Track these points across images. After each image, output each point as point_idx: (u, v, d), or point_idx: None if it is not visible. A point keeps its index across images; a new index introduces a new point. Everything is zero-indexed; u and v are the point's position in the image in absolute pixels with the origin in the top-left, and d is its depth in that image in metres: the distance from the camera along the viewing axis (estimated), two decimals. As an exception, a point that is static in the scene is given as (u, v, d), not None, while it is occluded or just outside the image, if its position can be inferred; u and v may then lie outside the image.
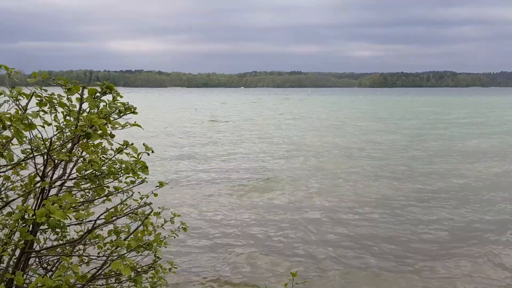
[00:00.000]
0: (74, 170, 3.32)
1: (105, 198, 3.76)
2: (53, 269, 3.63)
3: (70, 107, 2.93)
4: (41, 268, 3.63)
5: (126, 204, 3.66)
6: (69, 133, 3.00)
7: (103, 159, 2.95)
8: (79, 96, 3.11)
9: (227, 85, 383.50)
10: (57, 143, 2.88)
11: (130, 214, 3.27)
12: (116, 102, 3.13)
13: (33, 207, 2.91)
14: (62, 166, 3.10)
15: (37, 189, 2.87)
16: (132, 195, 3.56)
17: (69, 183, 3.32)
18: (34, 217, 2.44)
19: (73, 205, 2.56)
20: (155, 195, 3.40)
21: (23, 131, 2.38)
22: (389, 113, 50.42)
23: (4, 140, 2.91)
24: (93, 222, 3.41)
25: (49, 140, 2.60)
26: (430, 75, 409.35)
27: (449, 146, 22.46)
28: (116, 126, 2.85)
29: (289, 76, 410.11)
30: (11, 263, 3.11)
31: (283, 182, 14.02)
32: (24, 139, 2.50)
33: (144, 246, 3.12)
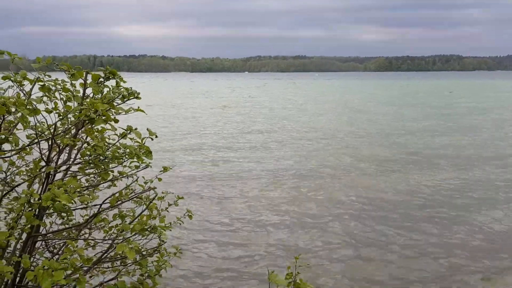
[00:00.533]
0: (79, 155, 3.36)
1: (110, 183, 3.80)
2: (59, 252, 3.68)
3: (74, 93, 2.94)
4: (47, 251, 3.68)
5: (131, 189, 3.69)
6: (73, 119, 3.02)
7: (107, 144, 2.98)
8: (83, 82, 3.13)
9: (231, 69, 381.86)
10: (61, 128, 2.90)
11: (134, 199, 3.30)
12: (119, 87, 3.14)
13: (39, 192, 2.95)
14: (67, 151, 3.13)
15: (42, 174, 2.90)
16: (137, 179, 3.59)
17: (74, 168, 3.35)
18: (40, 201, 2.48)
19: (78, 189, 2.58)
20: (159, 179, 3.42)
21: (27, 116, 2.40)
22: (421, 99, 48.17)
23: (8, 125, 2.94)
24: (98, 206, 3.46)
25: (53, 126, 2.61)
26: (436, 59, 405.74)
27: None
28: (120, 111, 2.85)
29: (294, 60, 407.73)
30: (18, 246, 3.16)
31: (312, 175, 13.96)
32: (29, 124, 2.52)
33: (149, 229, 3.15)
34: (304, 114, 31.50)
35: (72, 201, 2.42)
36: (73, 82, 3.06)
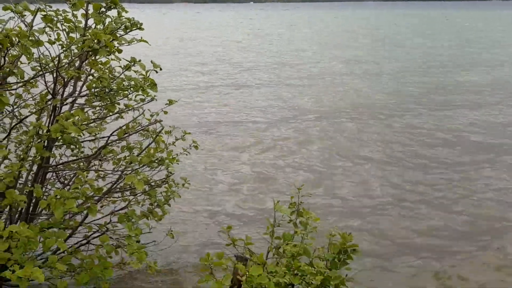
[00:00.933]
0: (84, 88, 3.35)
1: (117, 115, 3.82)
2: (70, 183, 3.79)
3: (76, 23, 2.88)
4: (58, 182, 3.79)
5: (138, 122, 3.72)
6: (76, 50, 2.98)
7: (112, 76, 2.96)
8: (84, 12, 3.05)
9: (235, 0, 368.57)
10: (65, 60, 2.87)
11: (141, 131, 3.33)
12: (121, 17, 3.06)
13: (47, 124, 2.98)
14: (72, 84, 3.12)
15: (49, 107, 2.92)
16: (143, 112, 3.61)
17: (80, 101, 3.36)
18: (48, 133, 2.51)
19: (86, 122, 2.61)
20: (165, 112, 3.44)
21: (30, 47, 2.37)
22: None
23: (12, 59, 2.91)
24: (106, 138, 3.51)
25: (57, 58, 2.59)
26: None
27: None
28: (123, 42, 2.81)
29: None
30: (30, 177, 3.25)
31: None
32: (32, 56, 2.50)
33: (156, 161, 3.21)
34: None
35: (81, 133, 2.45)
36: (75, 12, 2.98)
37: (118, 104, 2.96)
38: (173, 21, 67.41)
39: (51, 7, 2.96)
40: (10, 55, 2.69)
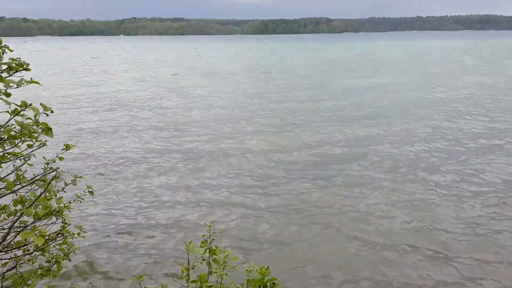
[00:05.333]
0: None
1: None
2: None
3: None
4: None
5: (21, 170, 3.34)
6: None
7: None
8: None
9: (105, 32, 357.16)
10: None
11: (35, 181, 2.99)
12: (1, 57, 2.76)
13: None
14: None
15: None
16: (29, 158, 3.25)
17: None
18: None
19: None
20: (61, 158, 3.14)
21: None
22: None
23: None
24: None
25: None
26: (307, 22, 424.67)
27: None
28: (11, 84, 2.52)
29: (172, 23, 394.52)
30: None
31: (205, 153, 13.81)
32: None
33: (53, 213, 2.90)
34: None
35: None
36: None
37: (8, 154, 2.63)
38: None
39: None
40: None
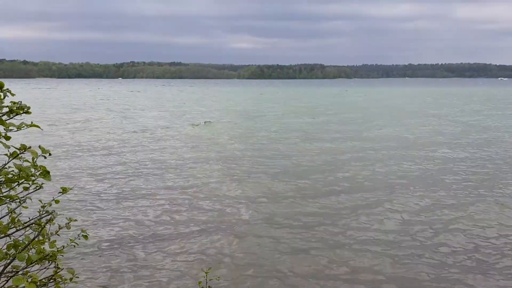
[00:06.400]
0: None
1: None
2: None
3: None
4: None
5: (15, 212, 3.30)
6: None
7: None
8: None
9: (103, 76, 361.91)
10: None
11: (29, 225, 2.95)
12: (1, 100, 2.79)
13: None
14: None
15: None
16: (24, 201, 3.22)
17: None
18: None
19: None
20: (57, 202, 3.12)
21: None
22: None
23: None
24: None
25: None
26: (302, 67, 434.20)
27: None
28: (11, 127, 2.54)
29: (170, 67, 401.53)
30: None
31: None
32: None
33: (47, 257, 2.84)
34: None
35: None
36: None
37: (11, 197, 2.61)
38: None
39: None
40: None
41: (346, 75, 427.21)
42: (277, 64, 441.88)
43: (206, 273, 3.39)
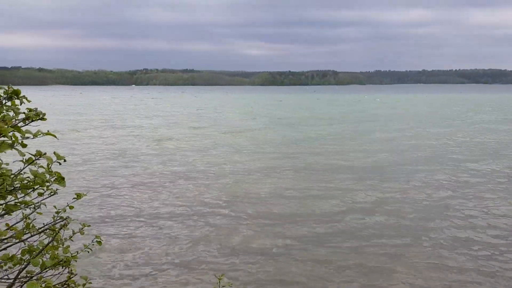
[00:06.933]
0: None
1: (4, 212, 3.39)
2: None
3: (-32, 115, 2.59)
4: None
5: (30, 218, 3.34)
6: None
7: (9, 171, 2.65)
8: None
9: (117, 82, 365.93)
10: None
11: (44, 231, 2.98)
12: (16, 106, 2.83)
13: None
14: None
15: None
16: (39, 207, 3.25)
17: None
18: None
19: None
20: (71, 207, 3.15)
21: None
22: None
23: None
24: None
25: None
26: (314, 74, 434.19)
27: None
28: (27, 135, 2.57)
29: (182, 74, 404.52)
30: None
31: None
32: None
33: (60, 263, 2.87)
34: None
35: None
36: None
37: (26, 202, 2.65)
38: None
39: None
40: None
41: (359, 81, 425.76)
42: (289, 71, 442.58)
43: (219, 279, 3.38)
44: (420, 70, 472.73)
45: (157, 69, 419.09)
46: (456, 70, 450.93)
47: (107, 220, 10.36)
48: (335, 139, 25.05)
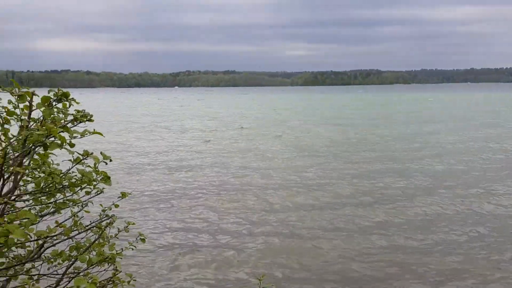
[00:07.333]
0: (21, 183, 3.08)
1: (54, 210, 3.53)
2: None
3: (21, 116, 2.71)
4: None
5: (78, 216, 3.45)
6: (16, 143, 2.77)
7: (61, 171, 2.76)
8: (28, 104, 2.88)
9: (161, 84, 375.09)
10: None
11: (91, 228, 3.08)
12: (66, 108, 2.94)
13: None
14: (11, 180, 2.86)
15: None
16: (86, 205, 3.36)
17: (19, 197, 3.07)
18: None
19: (34, 222, 2.36)
20: (116, 206, 3.24)
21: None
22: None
23: None
24: (45, 237, 3.18)
25: (3, 154, 2.38)
26: (357, 73, 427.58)
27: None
28: (75, 134, 2.66)
29: (223, 75, 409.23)
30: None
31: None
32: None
33: (106, 260, 2.95)
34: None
35: (28, 235, 2.21)
36: (18, 103, 2.82)
37: (73, 200, 2.74)
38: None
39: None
40: None
41: (403, 80, 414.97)
42: (331, 71, 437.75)
43: (259, 280, 3.36)
44: (468, 68, 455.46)
45: (199, 71, 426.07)
46: (507, 68, 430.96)
47: (149, 219, 10.59)
48: (404, 140, 24.01)
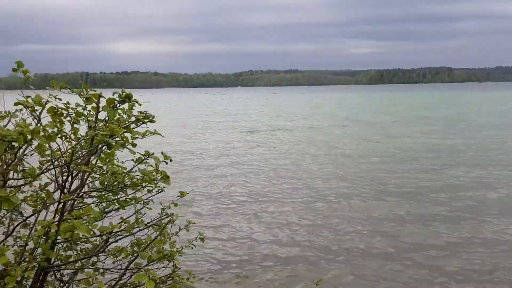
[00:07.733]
0: (89, 180, 3.25)
1: (117, 207, 3.69)
2: (69, 281, 3.54)
3: (88, 117, 2.85)
4: (57, 281, 3.54)
5: (141, 213, 3.58)
6: (84, 143, 2.92)
7: (124, 170, 2.88)
8: (95, 105, 3.03)
9: (224, 84, 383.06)
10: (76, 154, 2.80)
11: (151, 225, 3.18)
12: (131, 110, 3.05)
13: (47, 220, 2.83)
14: (79, 178, 3.02)
15: (56, 202, 2.79)
16: (148, 203, 3.49)
17: (86, 195, 3.24)
18: (57, 232, 2.36)
19: (98, 218, 2.48)
20: (175, 205, 3.32)
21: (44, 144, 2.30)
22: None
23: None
24: (109, 233, 3.33)
25: (71, 152, 2.51)
26: (426, 71, 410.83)
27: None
28: (137, 135, 2.76)
29: (285, 74, 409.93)
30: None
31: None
32: (45, 151, 2.42)
33: (166, 257, 3.04)
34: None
35: (92, 231, 2.31)
36: (86, 105, 2.97)
37: (136, 199, 2.85)
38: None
39: (61, 99, 2.94)
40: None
41: (476, 78, 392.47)
42: (398, 68, 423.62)
43: (316, 284, 3.30)
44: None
45: (261, 71, 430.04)
46: None
47: (209, 219, 10.77)
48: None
